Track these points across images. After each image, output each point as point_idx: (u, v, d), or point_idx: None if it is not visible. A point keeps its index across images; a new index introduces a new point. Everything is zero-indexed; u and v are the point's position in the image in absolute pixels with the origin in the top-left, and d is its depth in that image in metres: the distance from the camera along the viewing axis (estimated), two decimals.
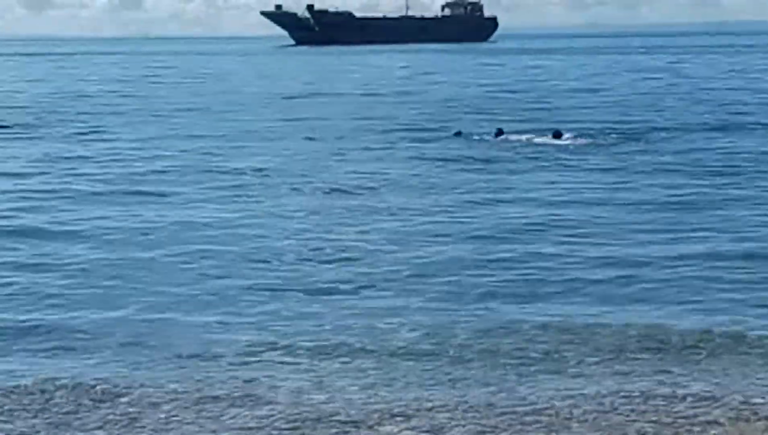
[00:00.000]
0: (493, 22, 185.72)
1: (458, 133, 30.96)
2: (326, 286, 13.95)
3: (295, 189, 21.52)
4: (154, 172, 24.37)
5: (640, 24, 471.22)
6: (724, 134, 30.66)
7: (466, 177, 23.34)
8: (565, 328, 11.82)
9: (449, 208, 19.51)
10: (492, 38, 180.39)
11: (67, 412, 9.54)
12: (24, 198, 21.26)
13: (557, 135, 29.74)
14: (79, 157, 27.60)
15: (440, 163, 25.73)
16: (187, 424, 9.28)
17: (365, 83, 60.28)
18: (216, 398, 9.82)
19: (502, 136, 29.90)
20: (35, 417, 9.47)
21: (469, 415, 9.34)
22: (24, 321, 12.53)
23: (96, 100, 47.51)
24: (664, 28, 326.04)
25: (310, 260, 15.41)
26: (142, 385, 10.17)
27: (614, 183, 22.30)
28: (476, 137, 30.15)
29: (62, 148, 29.67)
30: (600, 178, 23.11)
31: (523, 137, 29.66)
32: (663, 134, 30.77)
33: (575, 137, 29.59)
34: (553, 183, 22.39)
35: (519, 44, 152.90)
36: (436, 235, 17.03)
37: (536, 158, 26.25)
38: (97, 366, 10.87)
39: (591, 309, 12.73)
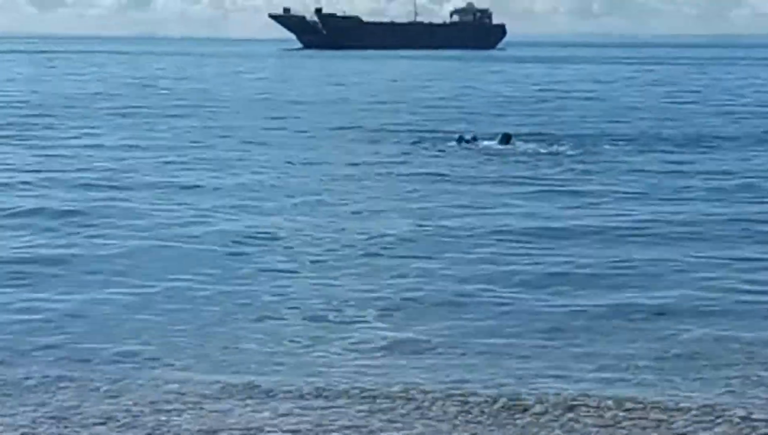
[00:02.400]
0: (502, 29, 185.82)
1: (460, 140, 30.26)
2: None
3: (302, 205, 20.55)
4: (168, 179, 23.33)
5: (648, 35, 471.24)
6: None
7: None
8: None
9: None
10: (500, 45, 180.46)
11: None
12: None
13: (507, 138, 29.50)
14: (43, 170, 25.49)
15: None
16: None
17: (370, 88, 60.09)
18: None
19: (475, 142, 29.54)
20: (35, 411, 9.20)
21: None
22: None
23: (88, 102, 46.93)
24: (671, 40, 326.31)
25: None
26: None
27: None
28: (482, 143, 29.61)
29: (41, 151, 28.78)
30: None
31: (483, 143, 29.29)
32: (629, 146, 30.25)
33: (528, 142, 29.46)
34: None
35: (526, 52, 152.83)
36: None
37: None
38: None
39: None
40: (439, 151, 28.48)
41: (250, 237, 16.55)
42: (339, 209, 19.11)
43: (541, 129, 34.13)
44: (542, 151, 28.33)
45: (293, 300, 13.03)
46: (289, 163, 25.55)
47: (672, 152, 28.66)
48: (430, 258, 15.16)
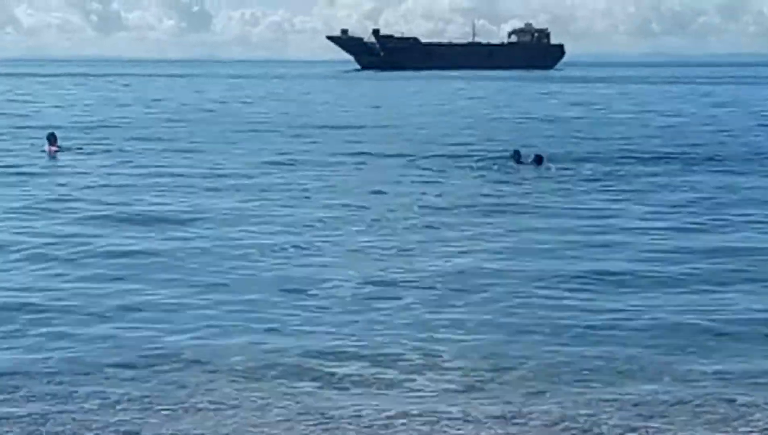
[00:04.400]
0: (560, 49, 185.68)
1: (497, 160, 30.16)
2: None
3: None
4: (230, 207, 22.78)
5: (707, 54, 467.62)
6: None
7: None
8: None
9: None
10: (558, 65, 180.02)
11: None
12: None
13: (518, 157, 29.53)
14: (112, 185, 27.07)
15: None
16: None
17: (424, 111, 60.03)
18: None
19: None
20: None
21: None
22: None
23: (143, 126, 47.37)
24: (733, 59, 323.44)
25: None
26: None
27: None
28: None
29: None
30: None
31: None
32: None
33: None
34: None
35: (584, 72, 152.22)
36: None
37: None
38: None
39: None
40: (468, 172, 28.42)
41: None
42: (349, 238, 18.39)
43: (579, 150, 34.03)
44: (574, 173, 27.94)
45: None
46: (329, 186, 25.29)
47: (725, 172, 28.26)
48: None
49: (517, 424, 9.49)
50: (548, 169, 28.38)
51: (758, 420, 9.63)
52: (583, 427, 9.45)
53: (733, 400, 10.10)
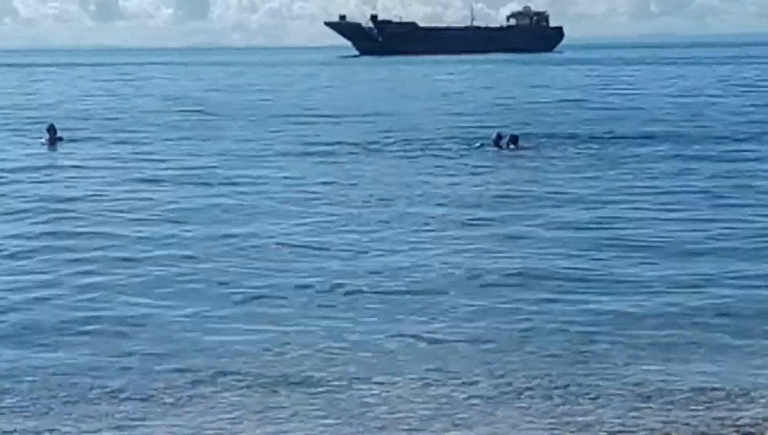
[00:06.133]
0: (559, 32, 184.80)
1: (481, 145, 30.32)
2: None
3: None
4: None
5: (707, 34, 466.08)
6: None
7: None
8: None
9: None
10: (557, 48, 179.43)
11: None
12: None
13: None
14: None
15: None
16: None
17: (418, 96, 59.66)
18: None
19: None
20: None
21: None
22: None
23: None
24: (733, 39, 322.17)
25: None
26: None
27: None
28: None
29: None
30: None
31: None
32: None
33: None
34: None
35: (583, 55, 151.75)
36: None
37: None
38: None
39: None
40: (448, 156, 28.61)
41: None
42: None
43: (557, 130, 34.58)
44: (544, 154, 28.40)
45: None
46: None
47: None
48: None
49: None
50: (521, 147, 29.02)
51: None
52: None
53: None
